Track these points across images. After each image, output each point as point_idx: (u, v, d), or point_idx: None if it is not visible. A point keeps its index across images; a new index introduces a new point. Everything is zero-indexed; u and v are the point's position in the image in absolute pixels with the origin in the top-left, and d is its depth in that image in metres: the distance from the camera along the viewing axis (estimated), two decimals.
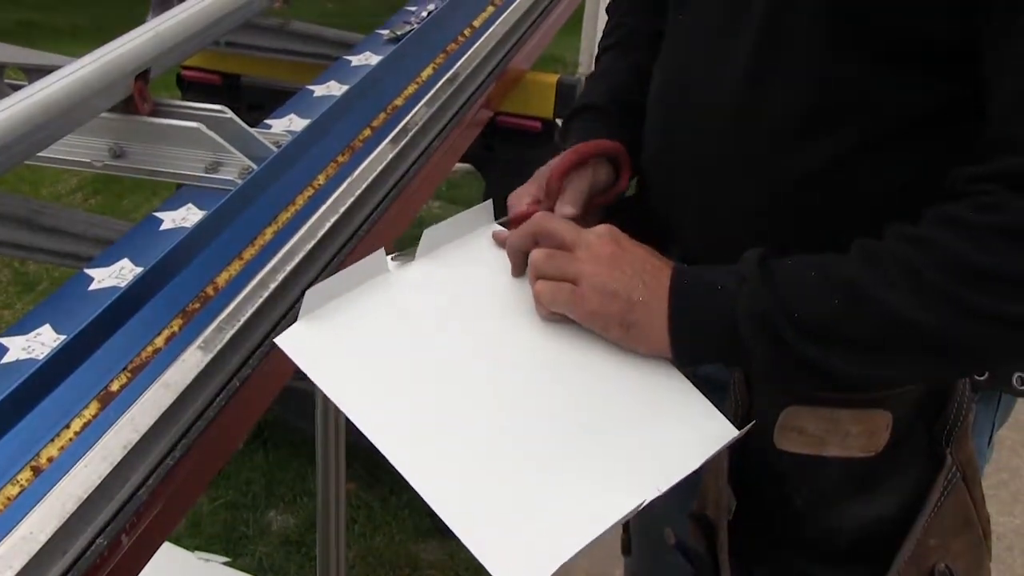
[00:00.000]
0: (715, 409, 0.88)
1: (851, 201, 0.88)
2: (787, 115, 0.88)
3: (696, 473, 0.86)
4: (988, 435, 1.00)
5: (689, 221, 0.98)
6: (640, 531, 1.23)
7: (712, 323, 0.83)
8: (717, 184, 0.94)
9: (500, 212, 1.02)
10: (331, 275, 0.90)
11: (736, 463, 0.94)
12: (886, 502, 0.92)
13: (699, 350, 0.87)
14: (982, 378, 0.90)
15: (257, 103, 2.24)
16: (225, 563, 2.32)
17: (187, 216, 1.17)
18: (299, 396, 2.33)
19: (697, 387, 1.01)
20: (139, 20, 1.41)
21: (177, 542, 2.32)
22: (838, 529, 0.93)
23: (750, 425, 0.88)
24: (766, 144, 0.89)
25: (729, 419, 0.90)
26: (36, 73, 1.26)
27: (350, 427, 1.55)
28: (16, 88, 1.27)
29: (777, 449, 0.92)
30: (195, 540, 2.39)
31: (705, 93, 0.93)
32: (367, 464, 2.61)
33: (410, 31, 1.71)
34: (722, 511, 0.95)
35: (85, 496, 0.80)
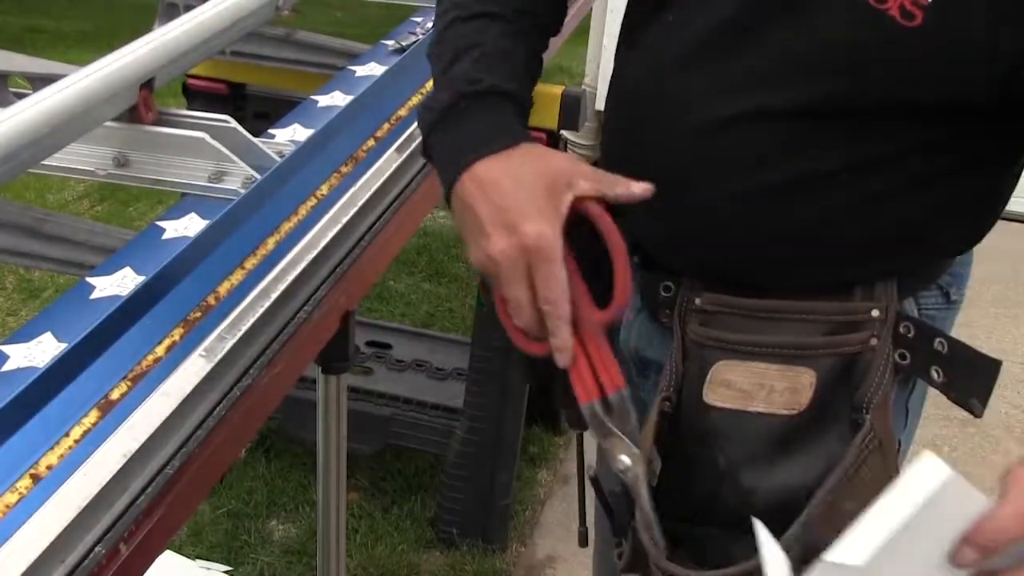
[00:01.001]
0: None
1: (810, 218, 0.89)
2: (770, 116, 0.87)
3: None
4: (903, 418, 1.02)
5: (655, 231, 0.98)
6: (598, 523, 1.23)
7: None
8: (684, 187, 0.93)
9: None
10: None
11: (668, 431, 0.95)
12: (806, 467, 0.92)
13: None
14: (904, 361, 0.92)
15: (262, 112, 2.25)
16: (227, 572, 2.32)
17: (190, 225, 1.17)
18: (301, 406, 2.35)
19: (642, 372, 1.06)
20: (146, 26, 1.42)
21: (179, 550, 2.32)
22: (757, 490, 0.94)
23: None
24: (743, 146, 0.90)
25: (662, 391, 0.94)
26: (41, 82, 1.26)
27: (351, 436, 1.55)
28: (21, 96, 1.28)
29: (705, 404, 0.94)
30: (197, 549, 2.39)
31: (676, 88, 0.92)
32: (369, 474, 2.62)
33: (415, 42, 1.71)
34: (640, 474, 0.94)
35: (84, 504, 0.80)
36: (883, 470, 0.92)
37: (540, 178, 0.85)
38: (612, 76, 1.03)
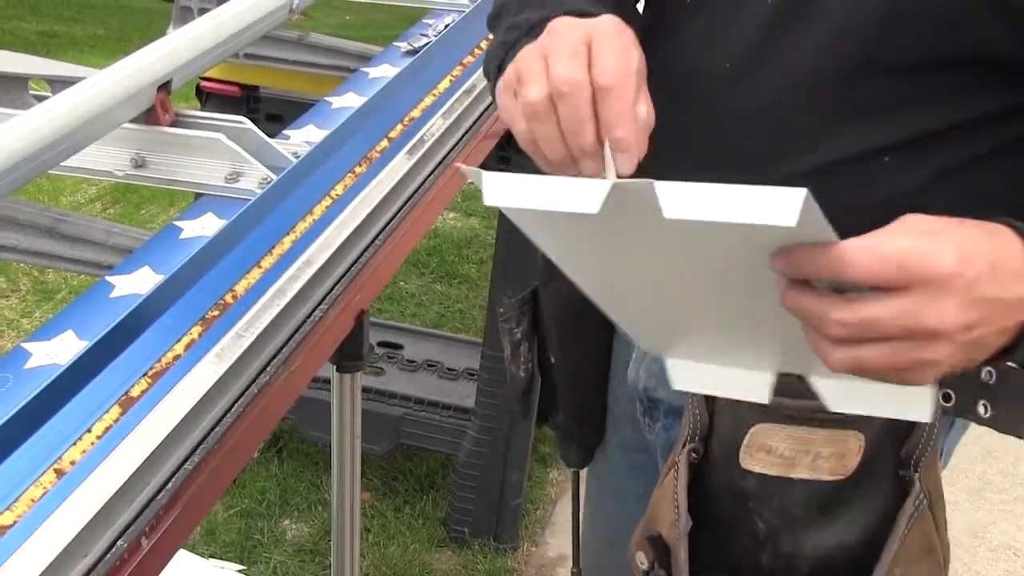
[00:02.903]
0: None
1: (863, 203, 0.81)
2: (798, 95, 0.83)
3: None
4: (939, 455, 0.95)
5: None
6: (592, 555, 1.21)
7: None
8: (707, 170, 0.88)
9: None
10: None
11: (694, 482, 0.91)
12: (850, 527, 0.88)
13: None
14: (949, 404, 0.86)
15: (276, 114, 2.27)
16: (240, 571, 2.33)
17: (207, 225, 1.19)
18: (313, 406, 2.36)
19: (650, 412, 1.03)
20: (158, 31, 1.43)
21: (192, 550, 2.34)
22: (800, 554, 0.89)
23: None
24: (766, 127, 0.85)
25: (685, 438, 0.89)
26: (60, 84, 1.28)
27: (363, 436, 1.56)
28: (40, 99, 1.29)
29: (742, 468, 0.88)
30: (210, 548, 2.41)
31: (706, 68, 0.88)
32: (381, 474, 2.63)
33: (427, 44, 1.72)
34: (680, 532, 0.91)
35: (106, 499, 0.81)
36: (930, 530, 0.88)
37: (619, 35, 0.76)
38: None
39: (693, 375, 0.82)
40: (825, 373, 0.74)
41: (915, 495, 0.86)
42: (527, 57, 0.75)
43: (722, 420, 0.89)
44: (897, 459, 0.87)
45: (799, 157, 0.84)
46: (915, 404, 0.73)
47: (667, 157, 0.88)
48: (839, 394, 0.76)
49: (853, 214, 0.81)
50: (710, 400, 0.89)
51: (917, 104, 0.81)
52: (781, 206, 0.57)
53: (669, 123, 0.89)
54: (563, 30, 0.75)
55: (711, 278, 0.70)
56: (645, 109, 0.75)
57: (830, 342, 0.65)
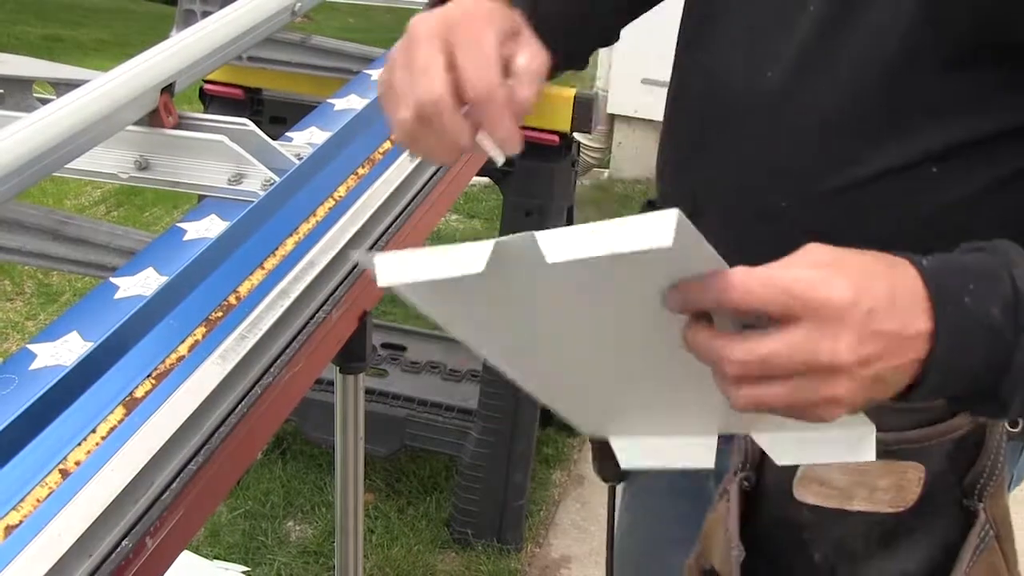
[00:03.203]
0: None
1: (910, 215, 0.80)
2: (842, 106, 0.80)
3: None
4: (1008, 485, 0.90)
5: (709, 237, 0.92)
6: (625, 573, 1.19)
7: (970, 369, 0.67)
8: (749, 187, 0.86)
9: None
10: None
11: (748, 512, 0.88)
12: (911, 559, 0.85)
13: (939, 394, 0.70)
14: (1016, 429, 0.83)
15: (279, 116, 2.27)
16: (244, 572, 2.34)
17: (210, 227, 1.19)
18: (317, 407, 2.37)
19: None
20: (162, 35, 1.44)
21: (196, 551, 2.34)
22: None
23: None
24: (812, 140, 0.82)
25: (736, 466, 0.86)
26: (64, 87, 1.28)
27: (366, 438, 1.57)
28: (44, 102, 1.30)
29: (796, 500, 0.85)
30: (214, 549, 2.41)
31: (747, 83, 0.85)
32: (384, 475, 2.63)
33: None
34: (732, 564, 0.88)
35: (111, 499, 0.82)
36: (998, 564, 0.84)
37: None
38: (677, 83, 0.97)
39: (638, 451, 0.80)
40: (764, 428, 0.73)
41: (980, 526, 0.83)
42: (395, 61, 0.75)
43: None
44: (961, 489, 0.84)
45: (843, 171, 0.81)
46: (857, 446, 0.71)
47: (710, 175, 0.88)
48: (783, 447, 0.74)
49: (904, 227, 0.80)
50: None
51: (962, 109, 0.78)
52: (655, 229, 0.55)
53: (712, 141, 0.89)
54: (423, 37, 0.73)
55: (618, 335, 0.68)
56: (525, 59, 0.73)
57: (731, 382, 0.63)
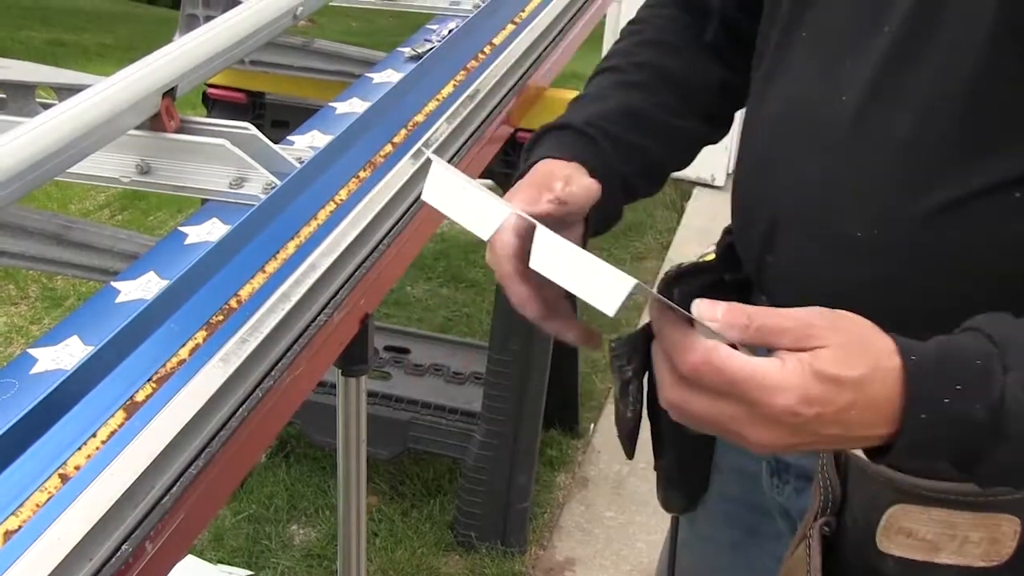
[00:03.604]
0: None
1: (991, 243, 0.77)
2: (918, 128, 0.78)
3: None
4: None
5: (784, 265, 0.88)
6: None
7: (946, 447, 0.68)
8: (825, 214, 0.84)
9: None
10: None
11: (830, 562, 0.84)
12: None
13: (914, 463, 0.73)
14: None
15: (281, 120, 2.28)
16: None
17: (212, 230, 1.19)
18: (320, 410, 2.36)
19: (779, 473, 0.98)
20: (165, 40, 1.44)
21: (200, 555, 2.34)
22: None
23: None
24: (889, 165, 0.80)
25: (816, 510, 0.84)
26: (66, 92, 1.29)
27: (370, 441, 1.57)
28: (47, 107, 1.30)
29: (880, 550, 0.81)
30: (218, 553, 2.41)
31: (822, 107, 0.84)
32: (388, 478, 2.63)
33: (431, 49, 1.73)
34: None
35: (111, 503, 0.82)
36: None
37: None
38: (752, 108, 0.96)
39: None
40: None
41: None
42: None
43: (856, 495, 0.82)
44: None
45: (920, 197, 0.79)
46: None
47: (786, 202, 0.86)
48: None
49: (984, 255, 0.78)
50: (842, 469, 0.83)
51: None
52: (607, 293, 0.62)
53: (788, 168, 0.87)
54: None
55: None
56: (560, 189, 0.84)
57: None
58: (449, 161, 1.45)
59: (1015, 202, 0.76)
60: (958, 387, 0.66)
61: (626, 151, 0.96)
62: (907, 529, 0.79)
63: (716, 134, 1.07)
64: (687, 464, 1.08)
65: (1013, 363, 0.66)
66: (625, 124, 0.97)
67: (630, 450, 1.09)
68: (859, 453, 0.78)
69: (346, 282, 1.18)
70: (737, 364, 0.65)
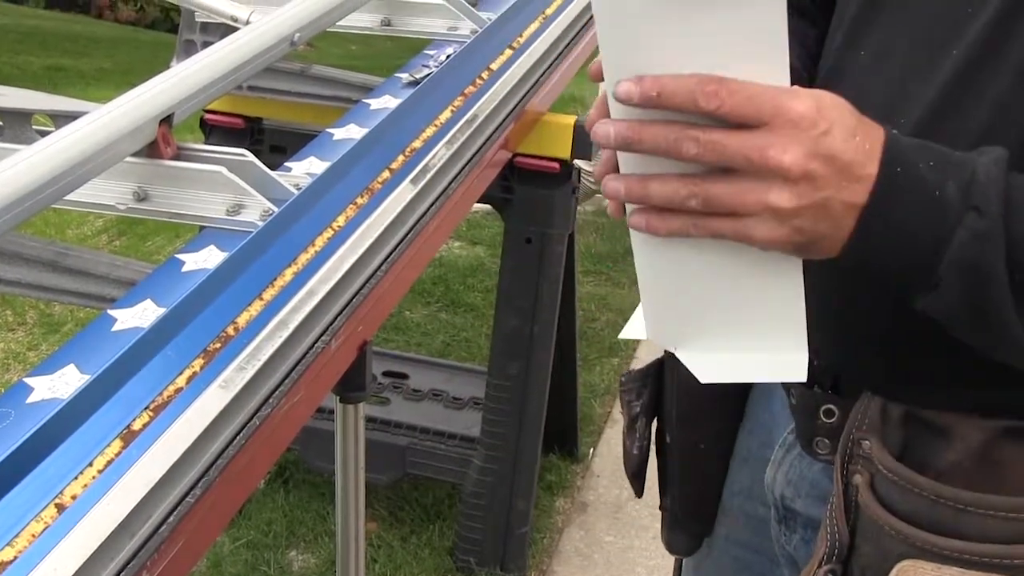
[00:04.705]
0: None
1: None
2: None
3: None
4: None
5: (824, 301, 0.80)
6: None
7: (908, 231, 0.68)
8: None
9: None
10: None
11: None
12: None
13: (875, 256, 0.70)
14: None
15: (279, 146, 2.28)
16: None
17: (209, 258, 1.19)
18: (319, 436, 2.36)
19: (786, 521, 0.93)
20: (163, 64, 1.44)
21: None
22: None
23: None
24: None
25: (820, 558, 0.80)
26: (63, 119, 1.29)
27: (369, 466, 1.56)
28: (44, 134, 1.30)
29: None
30: None
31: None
32: (387, 504, 2.62)
33: (429, 74, 1.73)
34: None
35: (108, 533, 0.81)
36: None
37: None
38: None
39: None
40: (693, 345, 0.74)
41: None
42: None
43: (864, 545, 0.80)
44: None
45: None
46: (788, 367, 0.71)
47: None
48: (709, 366, 0.74)
49: None
50: (850, 517, 0.81)
51: None
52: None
53: None
54: None
55: None
56: None
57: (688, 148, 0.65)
58: (447, 187, 1.45)
59: None
60: (931, 162, 0.68)
61: None
62: None
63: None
64: (693, 504, 1.07)
65: (992, 162, 0.68)
66: None
67: (639, 489, 1.08)
68: (872, 503, 0.78)
69: (344, 309, 1.17)
70: (758, 87, 0.65)
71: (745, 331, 0.74)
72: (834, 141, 0.65)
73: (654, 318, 0.77)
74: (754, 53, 0.65)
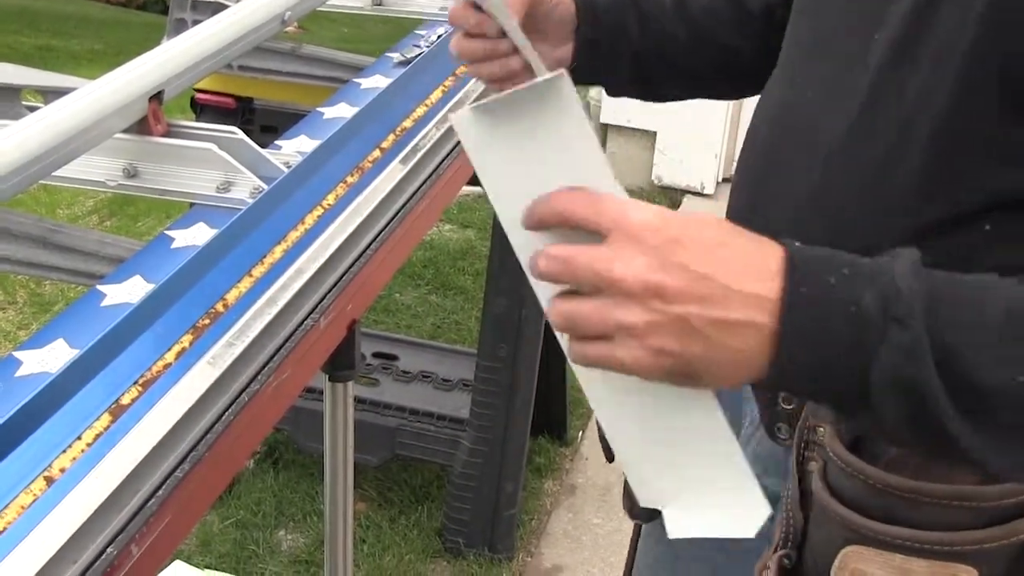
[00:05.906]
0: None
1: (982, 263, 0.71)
2: (892, 156, 0.76)
3: None
4: None
5: None
6: None
7: (830, 352, 0.63)
8: (817, 223, 0.80)
9: None
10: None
11: None
12: None
13: (799, 381, 0.65)
14: None
15: (269, 125, 2.28)
16: None
17: (198, 234, 1.19)
18: (309, 416, 2.36)
19: None
20: (154, 45, 1.44)
21: (188, 560, 2.33)
22: None
23: None
24: (880, 175, 0.77)
25: (777, 542, 0.82)
26: (53, 95, 1.28)
27: (358, 447, 1.57)
28: (33, 110, 1.30)
29: None
30: (205, 559, 2.40)
31: (818, 113, 0.82)
32: (376, 485, 2.63)
33: (420, 54, 1.73)
34: None
35: (96, 506, 0.82)
36: None
37: None
38: (757, 115, 0.94)
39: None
40: (666, 502, 0.74)
41: None
42: None
43: (815, 532, 0.80)
44: None
45: (893, 224, 0.77)
46: (740, 521, 0.71)
47: (774, 214, 0.84)
48: (677, 522, 0.74)
49: None
50: (805, 503, 0.81)
51: (1019, 163, 0.73)
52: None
53: (774, 184, 0.85)
54: None
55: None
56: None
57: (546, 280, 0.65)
58: (437, 167, 1.45)
59: (985, 234, 0.74)
60: (844, 271, 0.63)
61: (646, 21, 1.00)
62: (860, 571, 0.77)
63: (744, 78, 1.06)
64: None
65: (908, 267, 0.63)
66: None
67: (609, 452, 1.08)
68: (822, 490, 0.78)
69: (333, 287, 1.18)
70: (605, 196, 0.64)
71: (698, 484, 0.73)
72: (687, 253, 0.61)
73: (636, 480, 0.77)
74: (582, 170, 0.65)
